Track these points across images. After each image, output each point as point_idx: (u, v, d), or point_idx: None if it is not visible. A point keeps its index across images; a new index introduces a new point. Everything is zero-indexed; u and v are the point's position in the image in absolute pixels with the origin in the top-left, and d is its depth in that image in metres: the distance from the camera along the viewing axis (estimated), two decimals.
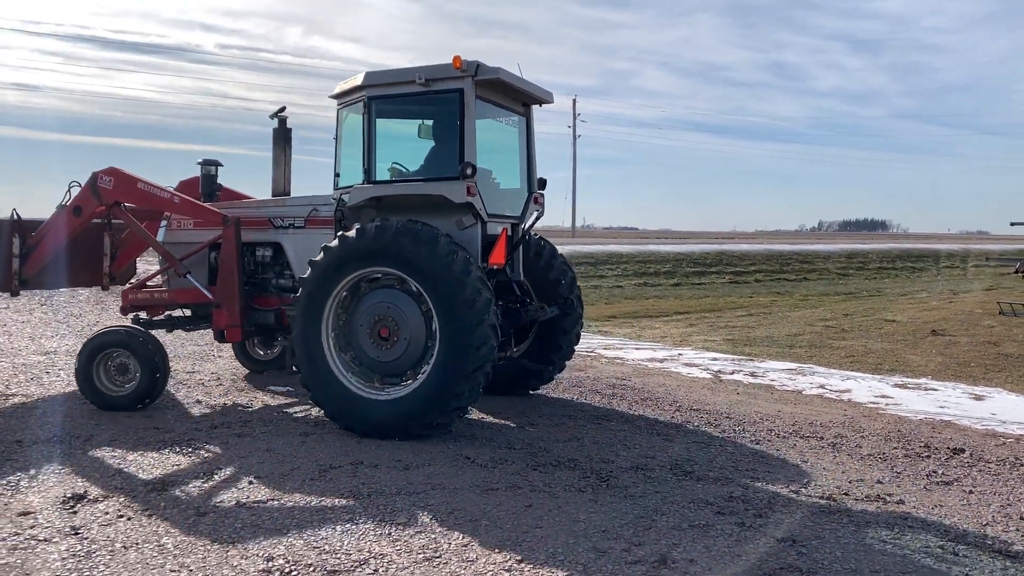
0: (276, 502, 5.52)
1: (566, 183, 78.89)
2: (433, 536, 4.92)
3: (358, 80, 7.82)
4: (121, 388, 8.12)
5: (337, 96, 8.27)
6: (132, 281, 9.70)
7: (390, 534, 4.95)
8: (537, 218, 8.66)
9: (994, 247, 53.12)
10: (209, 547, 4.75)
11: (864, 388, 10.15)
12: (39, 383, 9.33)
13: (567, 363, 9.30)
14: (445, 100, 7.58)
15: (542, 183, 8.70)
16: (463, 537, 4.90)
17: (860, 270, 39.72)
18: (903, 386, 10.31)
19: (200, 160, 9.33)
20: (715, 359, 12.38)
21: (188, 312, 9.26)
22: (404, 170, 8.08)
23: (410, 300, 7.26)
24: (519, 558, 4.59)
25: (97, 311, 15.97)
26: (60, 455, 6.58)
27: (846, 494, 5.83)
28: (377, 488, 5.79)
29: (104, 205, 8.63)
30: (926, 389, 10.13)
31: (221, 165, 9.44)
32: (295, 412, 8.23)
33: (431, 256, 6.93)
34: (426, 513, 5.30)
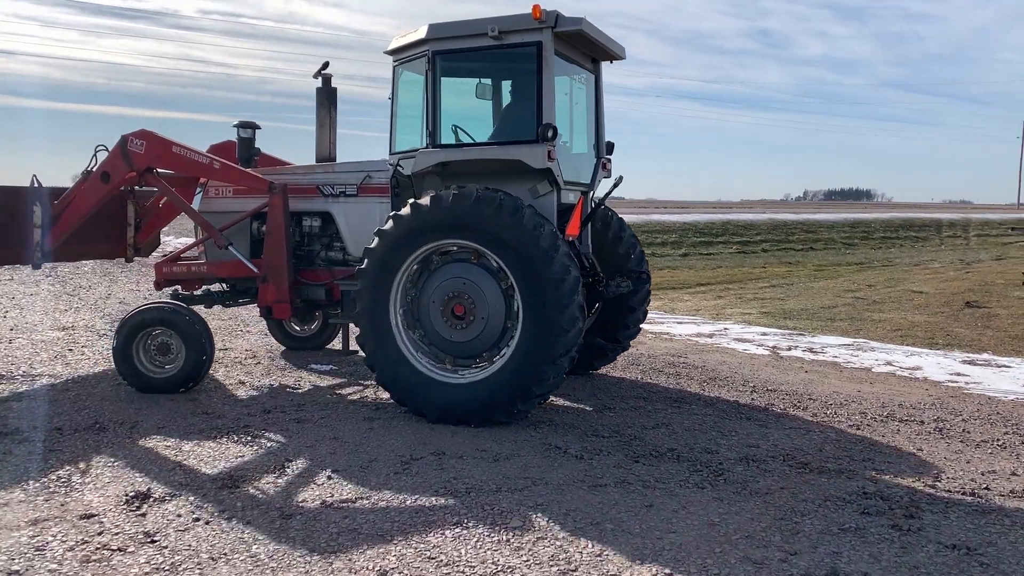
0: (366, 501, 4.95)
1: None
2: (559, 544, 4.36)
3: (420, 33, 7.10)
4: (161, 369, 7.51)
5: (393, 52, 7.56)
6: (164, 253, 9.05)
7: (509, 540, 4.40)
8: (615, 186, 7.91)
9: (993, 216, 52.96)
10: (308, 558, 4.18)
11: (933, 364, 9.67)
12: (64, 362, 8.68)
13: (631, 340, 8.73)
14: (520, 55, 6.89)
15: (610, 147, 8.05)
16: (593, 544, 4.35)
17: (865, 239, 39.35)
18: (972, 362, 9.84)
19: (236, 122, 8.51)
20: (764, 334, 11.87)
21: (226, 287, 8.62)
22: (466, 133, 7.42)
23: (488, 276, 6.64)
24: (668, 572, 4.05)
25: (106, 283, 15.25)
26: (108, 445, 5.98)
27: (987, 488, 5.32)
28: (472, 484, 5.23)
29: (135, 171, 7.91)
30: (997, 366, 9.66)
31: (259, 127, 8.67)
32: (349, 394, 7.65)
33: (516, 229, 6.29)
34: (539, 514, 4.74)
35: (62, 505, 4.82)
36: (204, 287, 8.56)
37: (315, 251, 8.24)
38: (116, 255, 8.93)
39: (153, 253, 9.68)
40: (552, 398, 7.53)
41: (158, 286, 8.48)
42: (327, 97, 8.30)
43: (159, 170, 8.06)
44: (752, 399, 7.73)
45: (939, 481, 5.45)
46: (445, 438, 6.21)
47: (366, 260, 6.78)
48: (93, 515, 4.68)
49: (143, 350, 7.50)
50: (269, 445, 6.02)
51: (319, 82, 8.25)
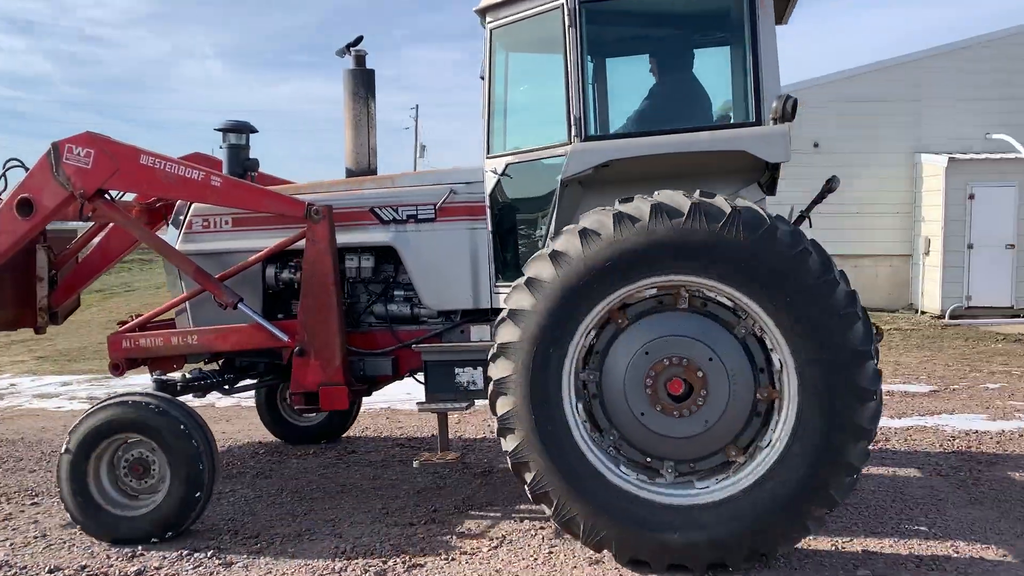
0: None
1: None
2: None
3: None
4: (135, 502, 4.88)
5: (490, 8, 5.08)
6: (132, 318, 5.92)
7: None
8: (829, 190, 5.46)
9: None
10: None
11: None
12: None
13: None
14: (719, 3, 4.88)
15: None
16: None
17: None
18: None
19: (220, 124, 5.93)
20: None
21: (220, 364, 6.02)
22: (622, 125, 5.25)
23: (732, 340, 4.26)
24: None
25: None
26: None
27: None
28: None
29: (80, 196, 5.25)
30: None
31: (255, 131, 6.04)
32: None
33: (800, 276, 3.99)
34: None
35: None
36: (194, 367, 5.86)
37: (366, 303, 5.69)
38: (19, 324, 5.98)
39: (70, 318, 6.49)
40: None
41: (116, 369, 5.70)
42: (362, 83, 5.80)
43: (112, 192, 5.47)
44: None
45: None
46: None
47: (541, 294, 4.24)
48: None
49: (107, 472, 4.87)
50: None
51: (349, 62, 5.86)
